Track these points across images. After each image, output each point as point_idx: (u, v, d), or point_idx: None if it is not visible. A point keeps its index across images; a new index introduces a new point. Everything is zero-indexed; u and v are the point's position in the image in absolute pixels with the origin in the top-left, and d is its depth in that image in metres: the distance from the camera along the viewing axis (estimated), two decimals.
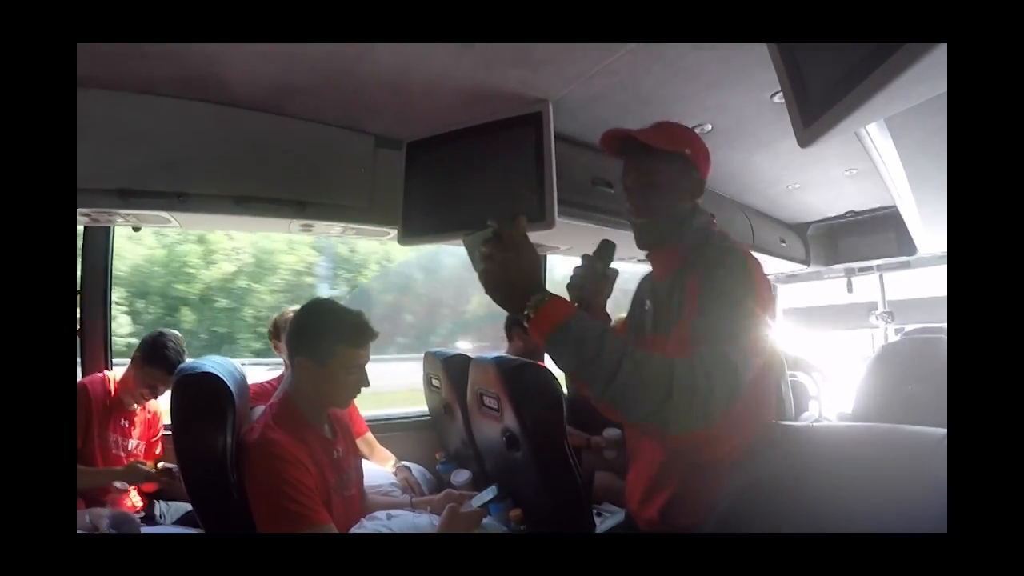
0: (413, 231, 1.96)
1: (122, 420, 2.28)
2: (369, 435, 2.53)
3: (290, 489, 1.38)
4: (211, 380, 1.48)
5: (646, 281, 1.44)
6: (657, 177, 1.27)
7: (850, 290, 4.26)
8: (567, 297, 1.29)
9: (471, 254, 1.08)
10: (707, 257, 1.19)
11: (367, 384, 1.60)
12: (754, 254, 1.17)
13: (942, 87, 0.74)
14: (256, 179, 1.87)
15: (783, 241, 3.56)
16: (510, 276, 1.02)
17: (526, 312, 1.00)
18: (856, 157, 2.35)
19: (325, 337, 1.53)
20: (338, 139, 2.01)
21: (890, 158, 1.79)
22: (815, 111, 0.94)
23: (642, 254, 1.36)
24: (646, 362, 0.94)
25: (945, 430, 0.69)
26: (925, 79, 0.69)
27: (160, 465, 2.18)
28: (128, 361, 2.31)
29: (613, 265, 1.42)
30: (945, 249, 3.31)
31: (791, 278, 4.30)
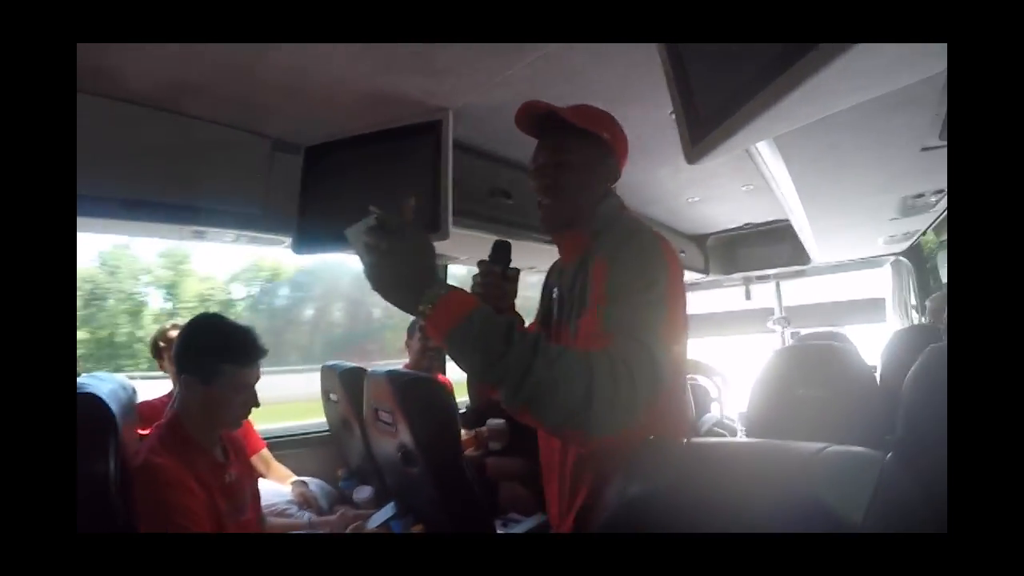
0: (308, 240, 1.89)
1: None
2: (265, 452, 2.42)
3: (176, 515, 1.30)
4: (89, 401, 1.33)
5: (555, 267, 1.35)
6: (571, 156, 1.18)
7: (748, 297, 4.49)
8: None
9: (355, 247, 0.92)
10: (614, 238, 1.10)
11: (256, 404, 1.51)
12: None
13: (830, 108, 0.76)
14: (146, 181, 1.73)
15: (683, 251, 3.71)
16: (399, 269, 0.87)
17: (421, 308, 0.86)
18: (752, 173, 2.47)
19: (211, 355, 1.44)
20: (234, 141, 1.90)
21: (781, 175, 1.88)
22: (703, 129, 0.96)
23: (541, 263, 1.32)
24: (561, 358, 0.84)
25: (821, 444, 0.70)
26: (810, 100, 0.70)
27: None
28: None
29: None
30: (836, 259, 3.53)
31: (692, 286, 4.48)
